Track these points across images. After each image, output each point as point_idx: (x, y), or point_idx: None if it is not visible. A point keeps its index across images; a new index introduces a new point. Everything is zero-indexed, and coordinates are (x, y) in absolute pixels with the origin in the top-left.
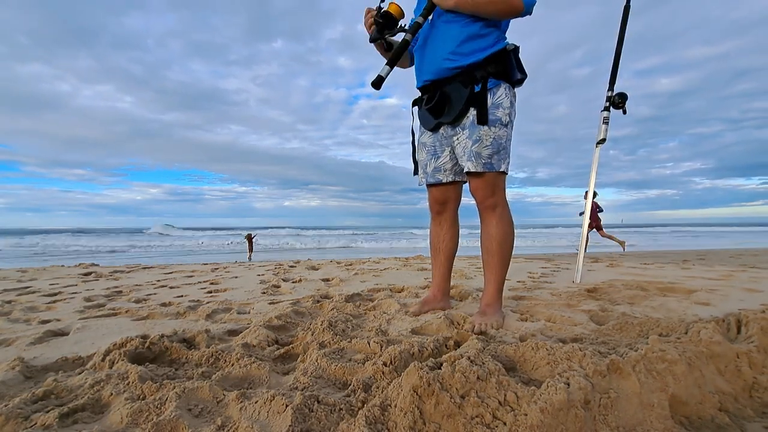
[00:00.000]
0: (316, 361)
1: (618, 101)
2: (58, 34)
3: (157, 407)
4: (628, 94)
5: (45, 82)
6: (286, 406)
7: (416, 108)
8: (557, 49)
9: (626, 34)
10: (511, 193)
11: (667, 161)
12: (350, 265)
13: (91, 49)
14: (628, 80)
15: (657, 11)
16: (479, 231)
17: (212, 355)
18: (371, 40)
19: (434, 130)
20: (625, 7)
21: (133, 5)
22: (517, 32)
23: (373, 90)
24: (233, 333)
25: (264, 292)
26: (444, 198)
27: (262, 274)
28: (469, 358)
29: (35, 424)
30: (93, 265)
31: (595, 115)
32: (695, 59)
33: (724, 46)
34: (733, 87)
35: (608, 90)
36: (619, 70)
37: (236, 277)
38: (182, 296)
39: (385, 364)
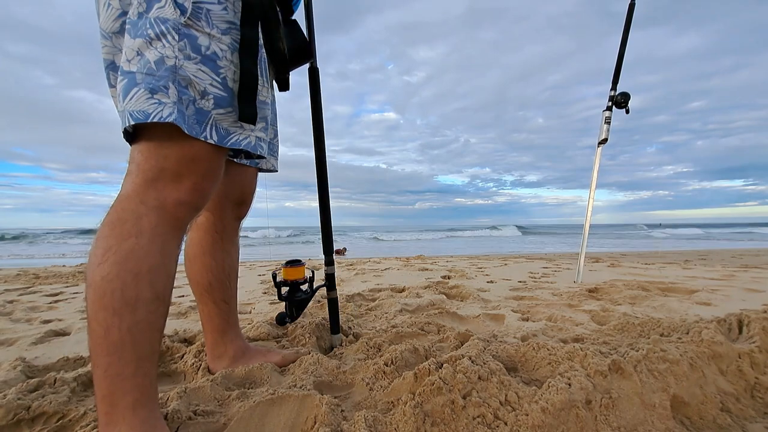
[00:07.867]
0: (318, 360)
1: (621, 100)
2: None
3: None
4: (630, 94)
5: (85, 103)
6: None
7: None
8: (516, 79)
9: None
10: (505, 194)
11: (650, 165)
12: (351, 265)
13: None
14: (599, 99)
15: (594, 51)
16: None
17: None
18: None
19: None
20: (629, 5)
21: None
22: (480, 66)
23: (374, 106)
24: None
25: (265, 292)
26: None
27: (263, 274)
28: (470, 358)
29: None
30: None
31: (569, 128)
32: (645, 84)
33: (662, 75)
34: (687, 104)
35: (611, 89)
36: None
37: None
38: (183, 296)
39: (386, 363)
